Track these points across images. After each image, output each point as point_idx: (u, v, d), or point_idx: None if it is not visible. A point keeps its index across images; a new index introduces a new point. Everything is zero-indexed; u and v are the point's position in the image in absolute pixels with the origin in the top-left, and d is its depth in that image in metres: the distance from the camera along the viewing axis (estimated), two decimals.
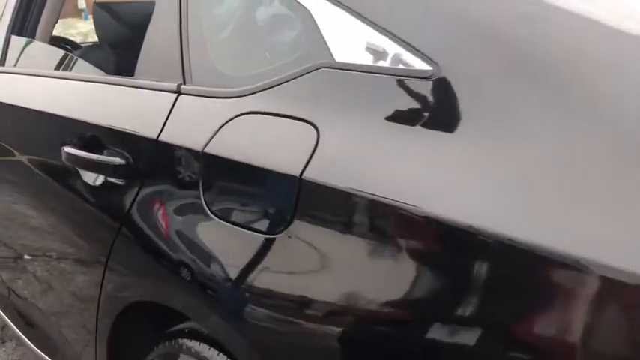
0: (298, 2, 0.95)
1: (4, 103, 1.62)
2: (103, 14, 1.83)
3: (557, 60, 0.74)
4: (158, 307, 1.12)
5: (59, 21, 1.94)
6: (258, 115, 0.95)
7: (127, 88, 1.24)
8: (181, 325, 1.16)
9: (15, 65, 1.76)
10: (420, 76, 0.79)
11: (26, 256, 1.70)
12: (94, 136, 1.23)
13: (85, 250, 1.30)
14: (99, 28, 1.86)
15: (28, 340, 1.82)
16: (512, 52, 0.76)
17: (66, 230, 1.38)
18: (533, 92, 0.72)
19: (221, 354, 1.02)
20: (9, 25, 1.79)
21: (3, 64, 1.79)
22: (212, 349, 1.04)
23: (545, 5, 0.78)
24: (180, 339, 1.12)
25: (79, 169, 1.25)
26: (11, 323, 1.94)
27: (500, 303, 0.68)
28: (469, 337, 0.69)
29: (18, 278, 1.79)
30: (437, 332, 0.72)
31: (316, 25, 0.92)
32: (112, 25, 1.72)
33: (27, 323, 1.85)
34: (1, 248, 1.80)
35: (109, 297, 1.19)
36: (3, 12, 1.81)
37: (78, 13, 9.77)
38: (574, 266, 0.61)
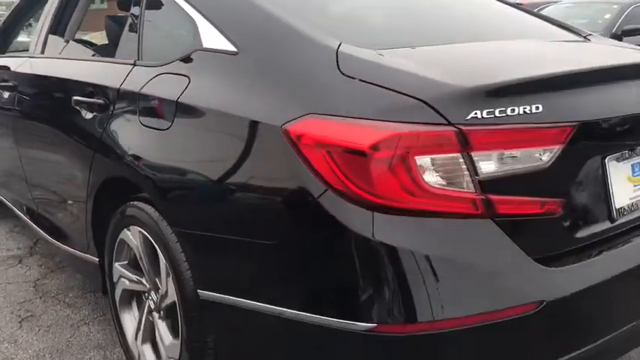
0: (189, 15, 1.87)
1: (45, 75, 2.60)
2: (110, 22, 2.78)
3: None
4: (126, 184, 1.99)
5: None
6: (167, 74, 1.86)
7: (110, 64, 2.19)
8: (138, 195, 2.04)
9: (51, 53, 2.73)
10: (232, 53, 1.69)
11: (46, 171, 2.65)
12: (90, 90, 2.17)
13: (79, 154, 2.23)
14: (107, 32, 2.82)
15: (49, 237, 2.75)
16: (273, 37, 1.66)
17: (71, 146, 2.32)
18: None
19: (149, 205, 1.91)
20: (48, 28, 2.76)
21: (43, 53, 2.76)
22: (142, 203, 1.93)
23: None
24: (131, 201, 2.01)
25: (80, 109, 2.19)
26: (38, 228, 2.88)
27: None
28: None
29: (41, 190, 2.75)
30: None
31: (197, 26, 1.83)
32: (113, 29, 2.66)
33: (47, 225, 2.79)
34: (31, 169, 2.76)
35: (94, 177, 2.11)
36: (44, 20, 2.78)
37: None
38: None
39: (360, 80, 1.43)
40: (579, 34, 2.31)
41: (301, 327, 1.44)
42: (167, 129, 1.78)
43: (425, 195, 1.32)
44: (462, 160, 1.33)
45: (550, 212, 1.44)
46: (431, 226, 1.35)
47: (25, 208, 3.07)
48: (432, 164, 1.33)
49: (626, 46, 2.27)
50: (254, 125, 1.52)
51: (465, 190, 1.35)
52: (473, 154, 1.33)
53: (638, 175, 1.70)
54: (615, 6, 8.78)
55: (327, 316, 1.39)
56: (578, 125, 1.44)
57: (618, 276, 1.53)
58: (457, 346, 1.36)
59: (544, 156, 1.40)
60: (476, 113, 1.32)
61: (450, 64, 1.54)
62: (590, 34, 2.34)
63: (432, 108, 1.33)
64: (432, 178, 1.33)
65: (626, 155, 1.66)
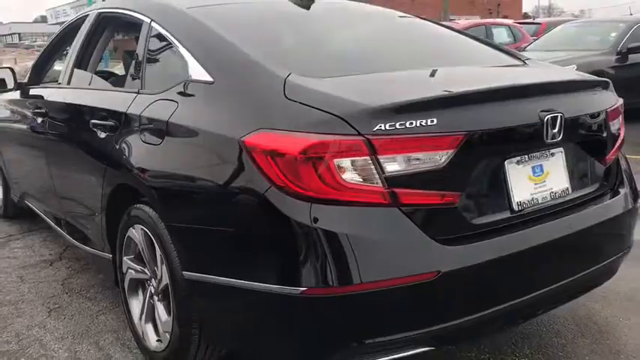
0: (181, 53, 2.32)
1: (70, 103, 3.11)
2: (125, 56, 3.27)
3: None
4: (131, 190, 2.44)
5: None
6: (162, 100, 2.31)
7: (120, 92, 2.67)
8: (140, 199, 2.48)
9: (76, 84, 3.24)
10: (209, 83, 2.14)
11: (71, 184, 3.13)
12: (104, 114, 2.64)
13: (96, 168, 2.69)
14: (123, 64, 3.31)
15: (74, 241, 3.23)
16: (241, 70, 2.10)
17: (89, 162, 2.78)
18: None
19: (148, 207, 2.35)
20: (73, 63, 3.27)
21: (69, 84, 3.27)
22: (143, 205, 2.37)
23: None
24: (135, 204, 2.46)
25: (96, 130, 2.66)
26: (65, 234, 3.36)
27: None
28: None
29: (67, 201, 3.23)
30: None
31: (186, 61, 2.29)
32: (126, 62, 3.15)
33: (72, 230, 3.26)
34: (59, 183, 3.25)
35: (106, 186, 2.57)
36: (70, 56, 3.30)
37: None
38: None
39: (299, 102, 1.85)
40: (520, 59, 2.70)
41: (261, 296, 1.85)
42: (160, 144, 2.22)
43: (343, 189, 1.73)
44: (370, 161, 1.73)
45: (449, 203, 1.82)
46: (350, 213, 1.75)
47: (55, 218, 3.56)
48: (348, 165, 1.73)
49: (554, 68, 2.64)
50: (221, 138, 1.96)
51: (375, 185, 1.74)
52: (379, 157, 1.73)
53: (538, 176, 2.07)
54: (622, 24, 9.06)
55: (273, 284, 1.80)
56: (470, 134, 1.83)
57: (512, 256, 1.90)
58: (371, 304, 1.74)
59: (441, 158, 1.79)
60: (380, 126, 1.73)
61: (370, 88, 1.95)
62: (529, 59, 2.72)
63: (347, 122, 1.73)
64: (349, 176, 1.73)
65: (526, 159, 2.03)
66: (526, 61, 2.68)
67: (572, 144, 2.20)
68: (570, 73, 2.50)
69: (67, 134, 3.14)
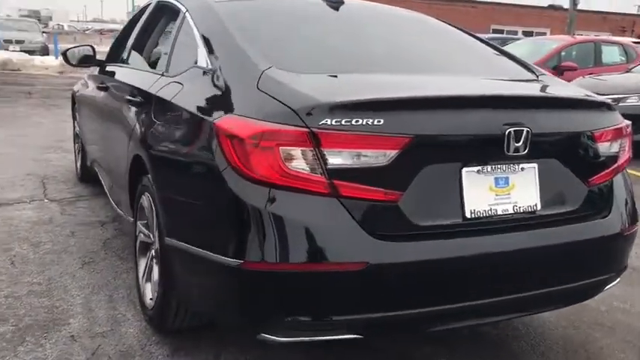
0: (197, 43, 2.55)
1: (120, 80, 3.47)
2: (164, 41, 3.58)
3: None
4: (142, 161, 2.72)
5: None
6: (174, 82, 2.56)
7: (150, 73, 2.96)
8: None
9: (131, 64, 3.59)
10: (206, 70, 2.34)
11: (111, 153, 3.49)
12: (135, 92, 2.94)
13: (125, 140, 2.99)
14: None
15: (113, 203, 3.58)
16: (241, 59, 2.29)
17: (120, 135, 3.10)
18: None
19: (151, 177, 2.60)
20: (132, 45, 3.63)
21: (127, 63, 3.63)
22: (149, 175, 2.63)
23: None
24: (146, 174, 2.72)
25: (130, 106, 2.97)
26: (109, 197, 3.74)
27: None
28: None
29: (110, 168, 3.59)
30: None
31: (197, 50, 2.51)
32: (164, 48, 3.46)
33: (114, 195, 3.62)
34: (107, 151, 3.62)
35: (129, 157, 2.85)
36: (130, 40, 3.66)
37: None
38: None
39: (266, 93, 2.00)
40: (534, 73, 2.69)
41: (213, 265, 2.01)
42: (161, 121, 2.47)
43: (287, 175, 1.86)
44: (313, 153, 1.85)
45: (390, 200, 1.90)
46: (292, 199, 1.88)
47: (106, 183, 3.96)
48: (293, 154, 1.86)
49: (560, 84, 2.60)
50: (201, 120, 2.16)
51: (317, 175, 1.86)
52: (323, 149, 1.84)
53: (501, 187, 2.09)
54: None
55: (221, 255, 1.96)
56: (418, 137, 1.89)
57: (452, 260, 1.94)
58: (303, 284, 1.87)
59: (385, 157, 1.88)
60: (326, 120, 1.84)
61: (333, 86, 2.07)
62: (543, 74, 2.70)
63: (297, 114, 1.86)
64: (293, 164, 1.86)
65: (489, 170, 2.06)
66: (539, 76, 2.66)
67: (552, 160, 2.18)
68: (566, 91, 2.44)
69: (114, 109, 3.49)
